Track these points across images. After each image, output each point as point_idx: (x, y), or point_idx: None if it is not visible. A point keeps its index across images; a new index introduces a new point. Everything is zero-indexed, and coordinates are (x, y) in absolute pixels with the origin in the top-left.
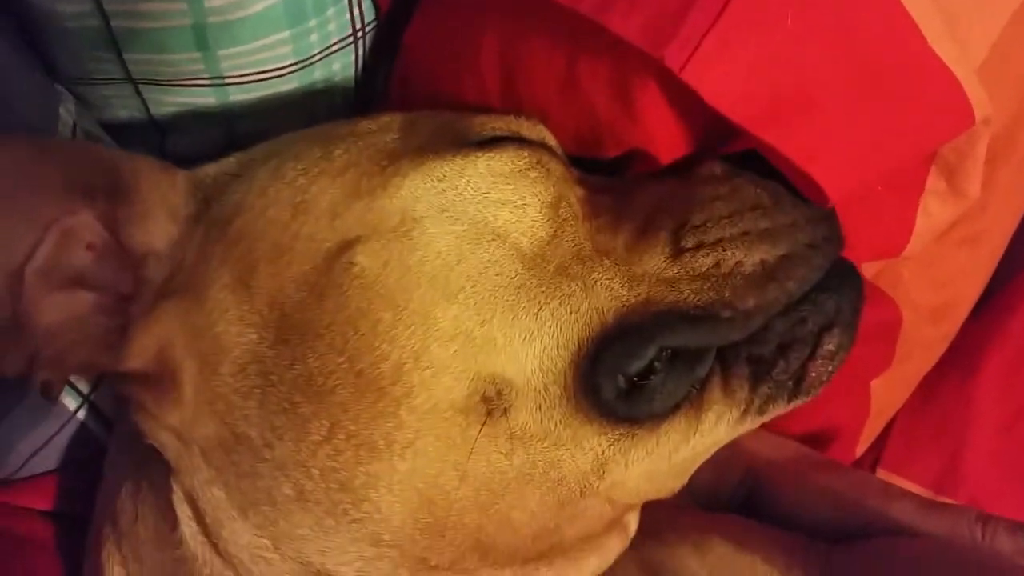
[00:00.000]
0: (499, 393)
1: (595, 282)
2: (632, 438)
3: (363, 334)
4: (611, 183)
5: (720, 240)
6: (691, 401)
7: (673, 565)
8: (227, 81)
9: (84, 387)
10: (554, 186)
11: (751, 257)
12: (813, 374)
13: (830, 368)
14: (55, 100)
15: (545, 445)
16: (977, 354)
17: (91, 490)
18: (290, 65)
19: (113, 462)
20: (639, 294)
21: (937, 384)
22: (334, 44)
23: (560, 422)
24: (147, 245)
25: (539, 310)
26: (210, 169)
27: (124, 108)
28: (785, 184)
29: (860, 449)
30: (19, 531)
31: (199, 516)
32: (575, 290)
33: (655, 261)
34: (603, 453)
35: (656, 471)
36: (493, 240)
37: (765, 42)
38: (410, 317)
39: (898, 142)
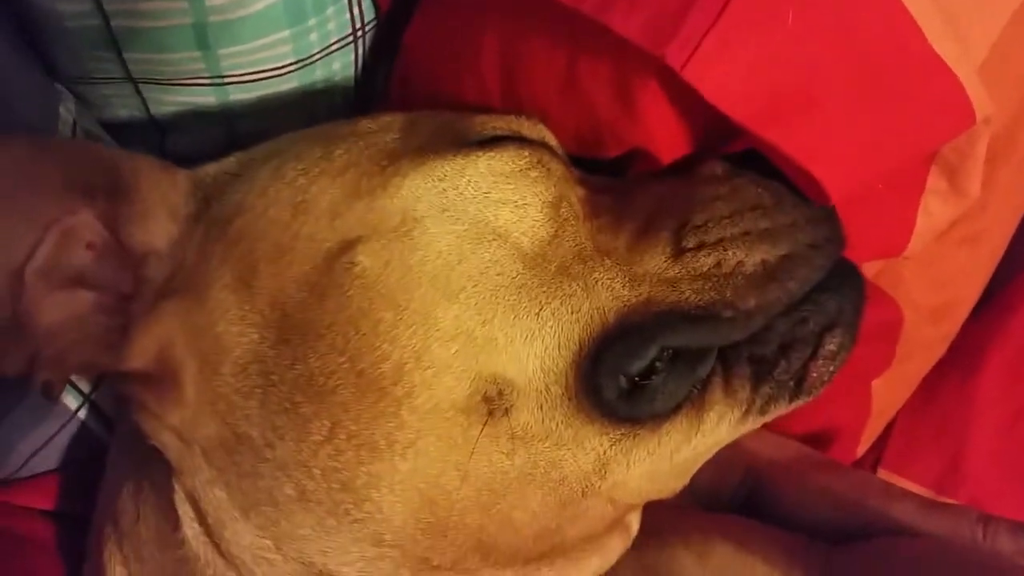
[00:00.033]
0: (500, 393)
1: (596, 282)
2: (634, 438)
3: (364, 334)
4: (612, 183)
5: (721, 240)
6: (693, 401)
7: (671, 568)
8: (227, 80)
9: (85, 387)
10: (555, 186)
11: (752, 257)
12: (815, 374)
13: (831, 368)
14: (55, 99)
15: (546, 445)
16: (978, 354)
17: (92, 490)
18: (290, 64)
19: (114, 462)
20: (640, 294)
21: (938, 384)
22: (334, 43)
23: (561, 422)
24: (147, 244)
25: (540, 310)
26: (210, 169)
27: (124, 107)
28: (786, 184)
29: (861, 449)
30: (20, 531)
31: (201, 516)
32: (576, 290)
33: (656, 261)
34: (605, 453)
35: (658, 471)
36: (494, 240)
37: (766, 41)
38: (411, 317)
39: (899, 141)
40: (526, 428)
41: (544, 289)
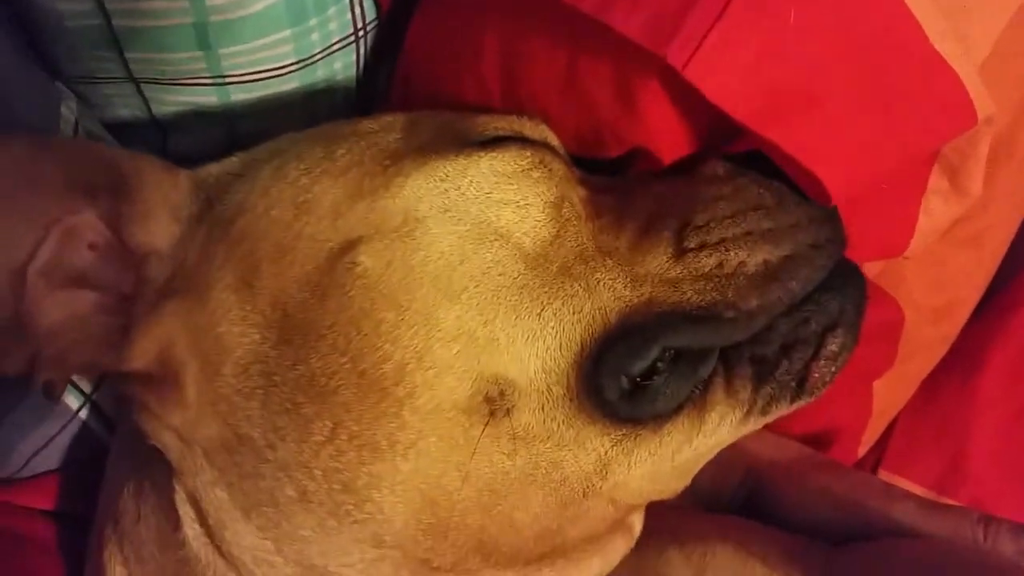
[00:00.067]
0: (502, 393)
1: (598, 282)
2: (635, 439)
3: (366, 334)
4: (613, 183)
5: (723, 240)
6: (694, 402)
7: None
8: (229, 80)
9: (86, 387)
10: (557, 186)
11: (754, 257)
12: (816, 375)
13: (833, 369)
14: (56, 98)
15: (548, 446)
16: (979, 354)
17: (93, 490)
18: (291, 64)
19: (115, 462)
20: (642, 294)
21: (939, 384)
22: (335, 43)
23: (563, 423)
24: (149, 244)
25: (542, 310)
26: (212, 169)
27: (126, 107)
28: (787, 183)
29: (862, 450)
30: (20, 531)
31: (202, 517)
32: (578, 290)
33: (658, 261)
34: (606, 454)
35: (659, 472)
36: (496, 240)
37: (768, 40)
38: (413, 317)
39: (900, 141)
40: (527, 429)
41: (546, 289)
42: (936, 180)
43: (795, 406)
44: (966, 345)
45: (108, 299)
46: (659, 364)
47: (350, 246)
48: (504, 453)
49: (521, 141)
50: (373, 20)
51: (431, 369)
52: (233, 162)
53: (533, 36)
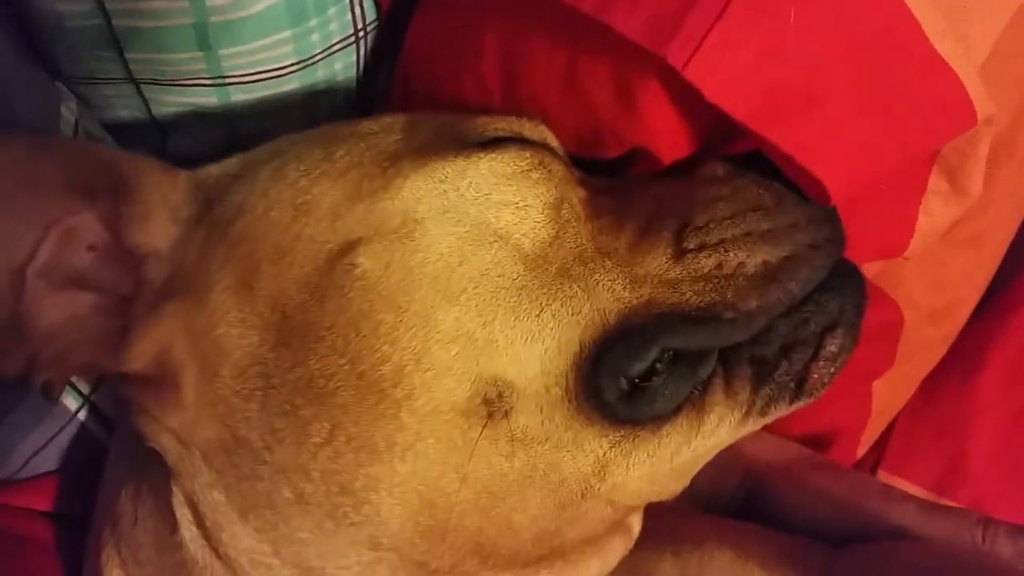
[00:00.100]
0: (500, 395)
1: (597, 283)
2: (634, 440)
3: (364, 336)
4: (613, 184)
5: (722, 241)
6: (693, 403)
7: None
8: (229, 81)
9: (85, 388)
10: (556, 187)
11: (753, 258)
12: (815, 375)
13: (832, 369)
14: (56, 99)
15: (546, 447)
16: (978, 355)
17: (91, 491)
18: (291, 65)
19: (113, 464)
20: (641, 295)
21: (938, 385)
22: (335, 44)
23: (561, 424)
24: (148, 246)
25: (541, 312)
26: (212, 170)
27: (126, 108)
28: (787, 184)
29: (861, 450)
30: (19, 531)
31: (199, 519)
32: (577, 291)
33: (657, 262)
34: (604, 455)
35: (658, 473)
36: (495, 241)
37: (767, 40)
38: (411, 319)
39: (900, 141)
40: (526, 430)
41: (545, 291)
42: (936, 180)
43: (794, 407)
44: (965, 345)
45: (107, 300)
46: (658, 365)
47: (349, 248)
48: (502, 455)
49: (520, 142)
50: (373, 20)
51: (429, 371)
52: (232, 163)
53: (533, 36)
